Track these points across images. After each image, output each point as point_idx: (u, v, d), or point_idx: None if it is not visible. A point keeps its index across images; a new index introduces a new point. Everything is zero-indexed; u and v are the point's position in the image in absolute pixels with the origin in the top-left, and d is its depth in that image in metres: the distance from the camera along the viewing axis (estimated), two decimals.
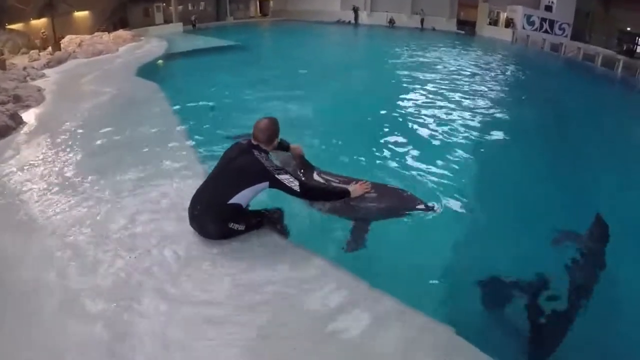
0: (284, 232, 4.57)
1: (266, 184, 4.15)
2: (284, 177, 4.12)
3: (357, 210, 4.76)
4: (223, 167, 4.36)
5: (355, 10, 40.38)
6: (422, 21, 37.43)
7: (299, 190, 4.17)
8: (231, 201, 4.12)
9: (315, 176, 5.35)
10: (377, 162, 7.45)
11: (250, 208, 4.56)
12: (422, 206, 4.93)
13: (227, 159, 4.36)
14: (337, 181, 5.22)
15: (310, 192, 4.43)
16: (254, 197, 4.29)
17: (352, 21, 40.40)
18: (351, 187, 4.69)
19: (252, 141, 4.30)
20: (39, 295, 3.61)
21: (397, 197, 5.08)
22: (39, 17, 24.73)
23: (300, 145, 5.45)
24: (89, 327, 3.25)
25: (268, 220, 4.56)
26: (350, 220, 4.78)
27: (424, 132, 9.39)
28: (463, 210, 6.03)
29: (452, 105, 11.84)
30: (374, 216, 4.80)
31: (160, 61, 20.05)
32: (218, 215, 4.21)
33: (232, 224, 4.22)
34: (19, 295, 3.64)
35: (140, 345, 3.11)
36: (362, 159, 7.45)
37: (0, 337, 3.20)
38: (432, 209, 4.90)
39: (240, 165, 4.19)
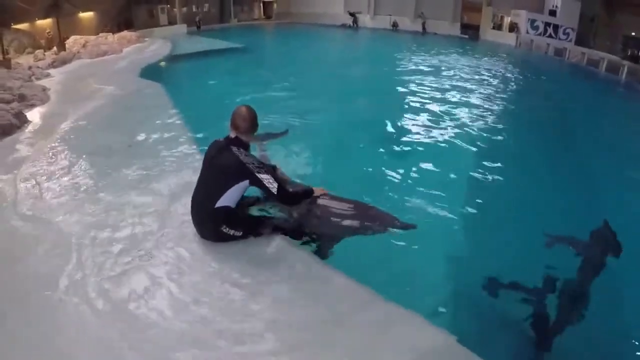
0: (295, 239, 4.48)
1: (247, 182, 4.02)
2: (264, 177, 4.00)
3: (333, 227, 4.64)
4: (206, 168, 4.28)
5: (353, 14, 40.28)
6: (423, 25, 37.36)
7: (276, 194, 4.06)
8: (218, 204, 4.03)
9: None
10: (372, 173, 7.46)
11: (253, 213, 4.55)
12: (399, 225, 4.74)
13: (208, 159, 4.26)
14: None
15: (286, 197, 4.25)
16: (240, 196, 4.17)
17: (352, 25, 40.29)
18: (314, 187, 4.63)
19: (231, 133, 4.15)
20: (46, 291, 3.62)
21: (373, 216, 4.77)
22: (44, 17, 24.72)
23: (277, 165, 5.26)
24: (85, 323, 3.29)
25: (275, 229, 4.45)
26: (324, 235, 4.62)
27: (422, 137, 9.44)
28: (461, 218, 6.05)
29: (453, 111, 11.85)
30: (348, 233, 4.61)
31: (163, 62, 20.07)
32: (210, 219, 4.15)
33: (225, 227, 4.14)
34: (26, 290, 3.67)
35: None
36: (354, 167, 7.48)
37: (6, 331, 3.23)
38: (410, 227, 4.71)
39: (220, 164, 4.08)
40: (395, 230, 4.58)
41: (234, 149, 4.04)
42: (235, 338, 3.17)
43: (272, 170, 4.27)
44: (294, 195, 4.41)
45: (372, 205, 4.84)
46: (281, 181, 4.21)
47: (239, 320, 3.32)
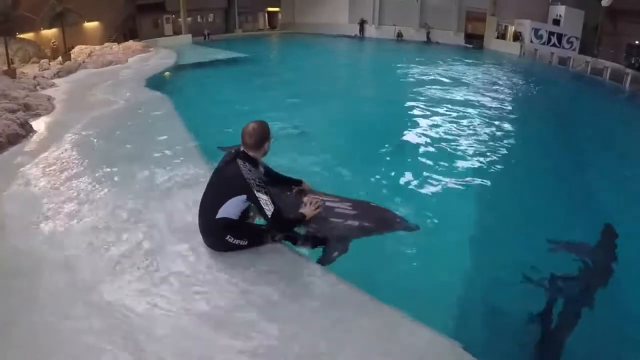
0: (302, 245, 4.47)
1: (244, 197, 3.97)
2: (262, 197, 3.92)
3: (337, 228, 4.59)
4: (212, 179, 4.29)
5: (361, 23, 40.49)
6: (428, 34, 37.52)
7: (269, 217, 3.98)
8: (219, 215, 4.02)
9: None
10: (374, 177, 7.49)
11: (258, 222, 4.53)
12: (404, 225, 4.66)
13: (216, 170, 4.27)
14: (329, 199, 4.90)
15: (278, 223, 4.15)
16: (241, 209, 4.11)
17: (358, 34, 40.50)
18: (304, 210, 4.45)
19: (240, 147, 4.10)
20: (52, 302, 3.63)
21: (378, 215, 4.80)
22: (49, 27, 24.95)
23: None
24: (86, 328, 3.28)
25: (279, 238, 4.43)
26: (330, 238, 4.56)
27: (427, 143, 9.48)
28: (465, 224, 6.05)
29: (458, 119, 11.89)
30: (354, 234, 4.58)
31: (167, 73, 20.09)
32: (213, 229, 4.16)
33: (230, 237, 4.13)
34: (32, 302, 3.66)
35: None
36: (359, 173, 7.50)
37: (16, 344, 3.23)
38: (414, 228, 4.62)
39: (224, 176, 4.09)
40: (398, 231, 4.57)
41: (240, 162, 4.01)
42: (240, 347, 3.16)
43: (270, 191, 4.17)
44: (287, 223, 4.32)
45: (375, 204, 4.83)
46: (279, 206, 4.11)
47: (243, 330, 3.30)
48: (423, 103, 13.83)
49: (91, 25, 29.86)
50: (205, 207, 4.22)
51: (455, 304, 4.53)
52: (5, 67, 16.96)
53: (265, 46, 36.30)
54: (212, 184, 4.26)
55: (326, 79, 19.71)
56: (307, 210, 4.46)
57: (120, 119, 10.44)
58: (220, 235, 4.14)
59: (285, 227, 4.37)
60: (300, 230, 4.53)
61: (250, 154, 4.07)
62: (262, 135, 4.08)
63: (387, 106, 14.04)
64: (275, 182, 4.66)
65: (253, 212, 4.42)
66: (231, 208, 4.03)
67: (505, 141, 10.20)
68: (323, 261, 4.34)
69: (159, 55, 24.72)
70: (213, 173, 4.33)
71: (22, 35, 23.89)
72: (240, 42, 34.06)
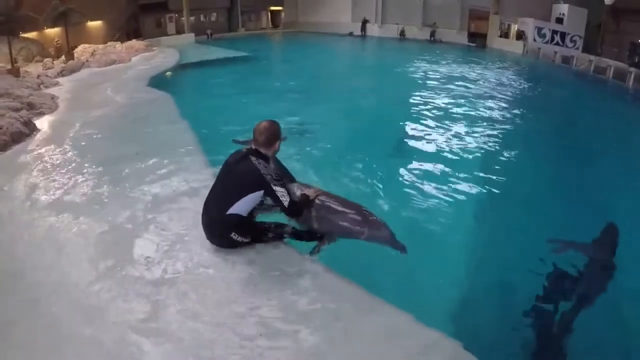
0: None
1: (261, 192, 4.06)
2: (279, 190, 4.03)
3: (333, 225, 4.53)
4: (224, 175, 4.32)
5: (364, 22, 40.41)
6: (432, 33, 37.39)
7: (286, 208, 4.10)
8: (230, 212, 4.06)
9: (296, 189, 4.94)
10: (374, 177, 7.47)
11: (260, 219, 4.54)
12: (393, 243, 4.61)
13: (226, 167, 4.30)
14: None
15: (294, 212, 4.27)
16: (253, 206, 4.18)
17: (360, 33, 40.43)
18: (307, 191, 4.58)
19: (252, 146, 4.20)
20: (57, 298, 3.66)
21: (375, 226, 4.54)
22: (52, 26, 24.96)
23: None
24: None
25: (282, 234, 4.47)
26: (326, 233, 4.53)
27: (428, 143, 9.48)
28: (467, 224, 6.05)
29: (460, 119, 11.89)
30: (345, 234, 4.50)
31: (168, 72, 20.03)
32: (220, 225, 4.18)
33: (234, 234, 4.17)
34: (38, 297, 3.69)
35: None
36: (358, 173, 7.50)
37: (16, 344, 3.25)
38: (400, 249, 4.38)
39: (238, 172, 4.13)
40: (386, 246, 4.48)
41: (253, 159, 4.08)
42: (240, 347, 3.18)
43: (286, 183, 4.26)
44: (299, 209, 4.38)
45: (370, 211, 4.81)
46: (293, 195, 4.23)
47: (244, 331, 3.33)
48: (425, 101, 13.81)
49: (94, 24, 29.90)
50: (213, 203, 4.26)
51: (456, 303, 4.53)
52: (9, 66, 17.00)
53: (268, 45, 36.25)
54: (224, 180, 4.29)
55: (327, 78, 19.71)
56: (310, 191, 4.59)
57: (123, 117, 10.47)
58: (226, 232, 4.18)
59: (299, 213, 4.42)
60: (302, 227, 4.55)
61: (262, 151, 4.16)
62: (273, 134, 4.19)
63: (389, 105, 14.02)
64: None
65: (257, 210, 4.44)
66: (245, 205, 4.10)
67: (507, 140, 10.19)
68: (313, 252, 4.37)
69: (161, 55, 24.74)
70: (222, 170, 4.36)
71: (25, 35, 23.93)
72: (243, 41, 34.02)
